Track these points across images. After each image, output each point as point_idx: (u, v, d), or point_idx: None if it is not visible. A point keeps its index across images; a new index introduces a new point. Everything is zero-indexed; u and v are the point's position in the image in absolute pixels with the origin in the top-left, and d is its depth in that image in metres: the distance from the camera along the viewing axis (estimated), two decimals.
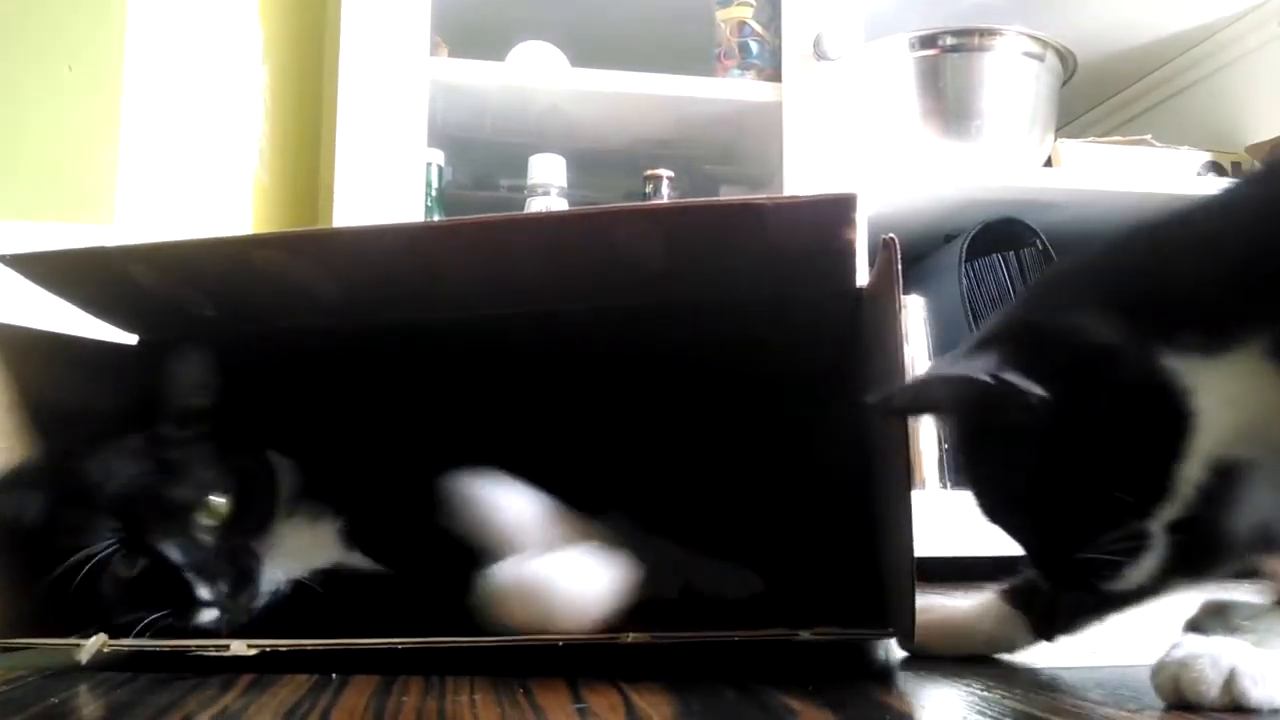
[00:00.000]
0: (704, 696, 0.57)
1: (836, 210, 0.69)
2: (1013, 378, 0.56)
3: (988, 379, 0.56)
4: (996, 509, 0.62)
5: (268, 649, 0.63)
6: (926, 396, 0.64)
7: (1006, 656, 0.71)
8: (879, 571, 0.74)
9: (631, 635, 0.61)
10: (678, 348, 0.88)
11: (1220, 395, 0.56)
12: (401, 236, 0.81)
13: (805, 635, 0.60)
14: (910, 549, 0.62)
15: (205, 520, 0.69)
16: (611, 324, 0.87)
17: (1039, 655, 0.72)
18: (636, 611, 0.77)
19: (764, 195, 1.44)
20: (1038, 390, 0.56)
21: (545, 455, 0.84)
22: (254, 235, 1.21)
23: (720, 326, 0.86)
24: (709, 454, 0.89)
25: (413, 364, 0.88)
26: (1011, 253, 1.52)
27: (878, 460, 0.73)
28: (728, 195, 1.67)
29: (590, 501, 0.81)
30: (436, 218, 1.43)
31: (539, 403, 0.87)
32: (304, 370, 0.84)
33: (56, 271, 0.80)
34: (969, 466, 0.63)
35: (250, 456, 0.76)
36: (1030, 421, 0.56)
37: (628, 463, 0.86)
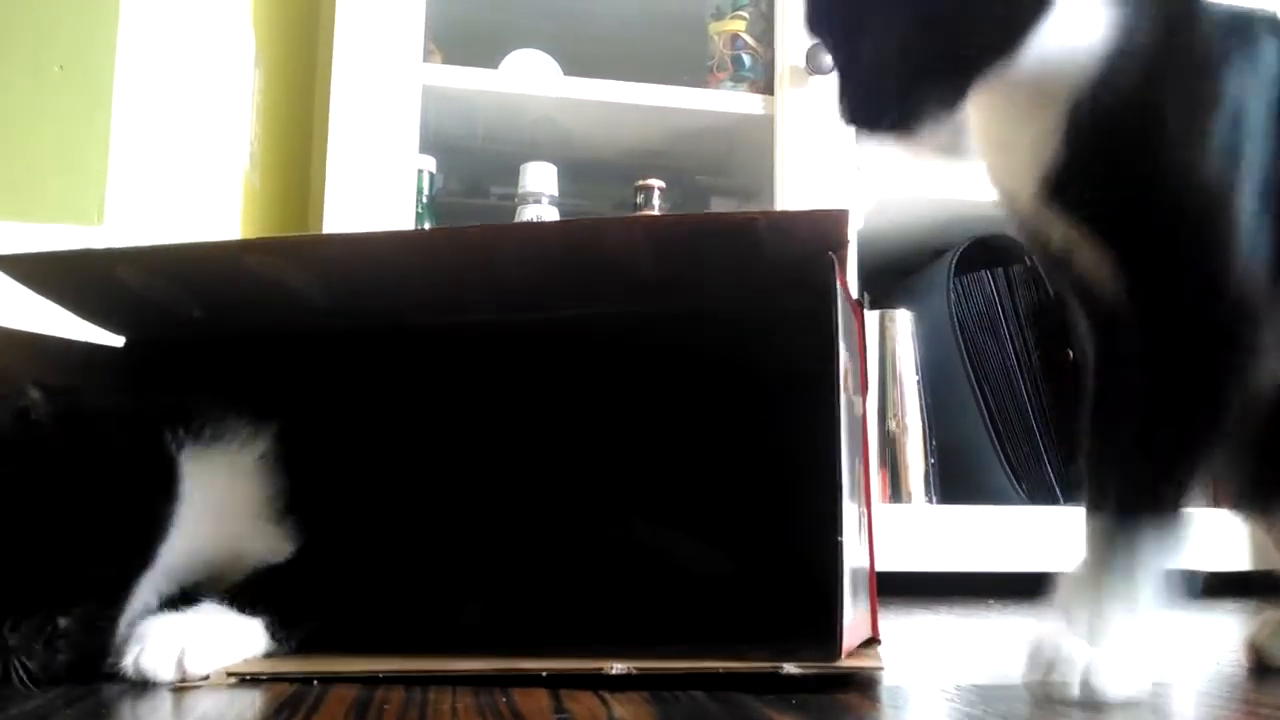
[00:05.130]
0: (685, 708, 0.57)
1: (829, 226, 0.69)
2: None
3: None
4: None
5: (248, 677, 0.63)
6: None
7: (991, 672, 0.71)
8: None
9: (616, 666, 0.62)
10: (666, 355, 0.88)
11: None
12: (392, 244, 0.81)
13: (790, 669, 0.61)
14: (836, 561, 0.63)
15: None
16: (601, 330, 0.87)
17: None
18: (621, 617, 0.77)
19: (757, 209, 1.45)
20: None
21: (533, 455, 0.84)
22: (244, 240, 1.21)
23: (709, 337, 0.86)
24: (694, 458, 0.89)
25: (400, 367, 0.88)
26: (1000, 268, 1.53)
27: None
28: (719, 206, 1.67)
29: (574, 498, 0.82)
30: (427, 224, 1.43)
31: (528, 405, 0.87)
32: (289, 371, 0.84)
33: (44, 272, 0.80)
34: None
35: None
36: None
37: (614, 464, 0.86)
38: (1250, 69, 0.62)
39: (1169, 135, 0.61)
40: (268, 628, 0.66)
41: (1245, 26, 0.64)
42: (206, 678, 0.62)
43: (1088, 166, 0.62)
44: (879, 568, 0.79)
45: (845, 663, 0.62)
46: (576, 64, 1.51)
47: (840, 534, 0.63)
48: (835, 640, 0.62)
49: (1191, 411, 0.61)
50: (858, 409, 0.76)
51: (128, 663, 0.61)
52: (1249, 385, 0.61)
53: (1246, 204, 0.60)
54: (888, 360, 1.49)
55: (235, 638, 0.65)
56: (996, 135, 0.68)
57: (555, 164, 1.48)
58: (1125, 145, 0.61)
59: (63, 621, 0.62)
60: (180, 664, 0.61)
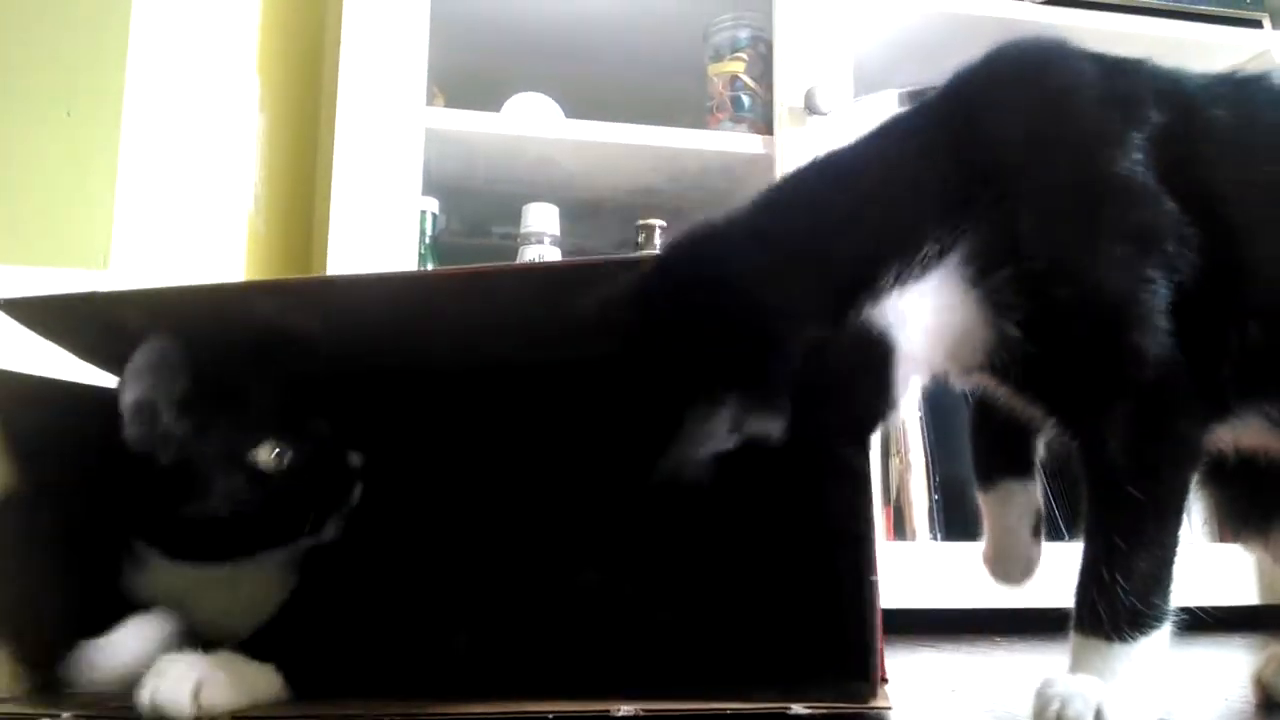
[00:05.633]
0: None
1: None
2: None
3: None
4: None
5: (252, 718, 0.63)
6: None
7: (999, 710, 0.71)
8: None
9: (623, 708, 0.62)
10: (665, 394, 0.88)
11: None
12: (395, 285, 0.82)
13: (797, 709, 0.61)
14: (867, 599, 0.64)
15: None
16: (598, 372, 0.87)
17: None
18: (623, 661, 0.77)
19: None
20: None
21: (529, 498, 0.84)
22: (247, 282, 1.21)
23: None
24: (695, 499, 0.89)
25: (402, 408, 0.88)
26: None
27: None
28: None
29: (571, 548, 0.82)
30: (430, 265, 1.44)
31: (526, 446, 0.87)
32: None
33: (46, 316, 0.80)
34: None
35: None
36: None
37: (616, 510, 0.86)
38: (1140, 146, 0.62)
39: (1083, 274, 0.61)
40: (280, 673, 0.67)
41: (1128, 96, 0.64)
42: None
43: (1015, 350, 0.63)
44: (884, 605, 0.78)
45: (849, 704, 0.62)
46: (578, 106, 1.52)
47: (873, 573, 0.64)
48: (869, 677, 0.62)
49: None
50: None
51: (144, 696, 0.61)
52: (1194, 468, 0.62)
53: (1158, 298, 0.61)
54: None
55: (250, 679, 0.66)
56: None
57: (557, 205, 1.49)
58: (1047, 316, 0.61)
59: None
60: (197, 699, 0.62)
